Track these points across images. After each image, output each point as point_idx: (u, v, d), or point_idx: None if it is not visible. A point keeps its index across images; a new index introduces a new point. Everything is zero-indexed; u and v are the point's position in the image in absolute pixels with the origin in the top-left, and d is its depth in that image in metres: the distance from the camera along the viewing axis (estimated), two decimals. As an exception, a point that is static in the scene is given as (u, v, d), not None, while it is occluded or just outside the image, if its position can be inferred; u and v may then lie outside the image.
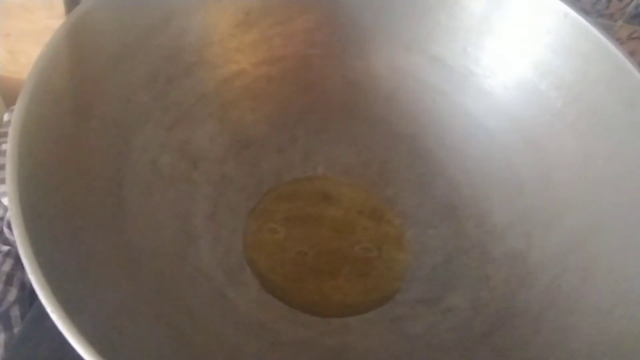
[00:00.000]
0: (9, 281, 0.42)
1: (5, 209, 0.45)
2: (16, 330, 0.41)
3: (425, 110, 0.39)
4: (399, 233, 0.35)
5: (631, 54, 0.42)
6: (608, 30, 0.34)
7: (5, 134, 0.47)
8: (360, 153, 0.39)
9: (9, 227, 0.44)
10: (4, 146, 0.46)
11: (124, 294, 0.25)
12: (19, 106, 0.25)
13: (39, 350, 0.34)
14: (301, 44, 0.39)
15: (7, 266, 0.42)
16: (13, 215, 0.22)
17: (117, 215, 0.28)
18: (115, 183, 0.29)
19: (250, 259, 0.33)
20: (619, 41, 0.45)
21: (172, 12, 0.34)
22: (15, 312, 0.42)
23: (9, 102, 0.50)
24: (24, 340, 0.34)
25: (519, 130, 0.36)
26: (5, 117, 0.48)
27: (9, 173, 0.23)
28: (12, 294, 0.42)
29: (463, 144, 0.38)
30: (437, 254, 0.33)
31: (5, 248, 0.43)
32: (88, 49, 0.29)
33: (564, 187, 0.33)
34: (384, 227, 0.36)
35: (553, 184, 0.33)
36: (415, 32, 0.38)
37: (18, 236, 0.22)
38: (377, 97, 0.39)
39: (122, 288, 0.25)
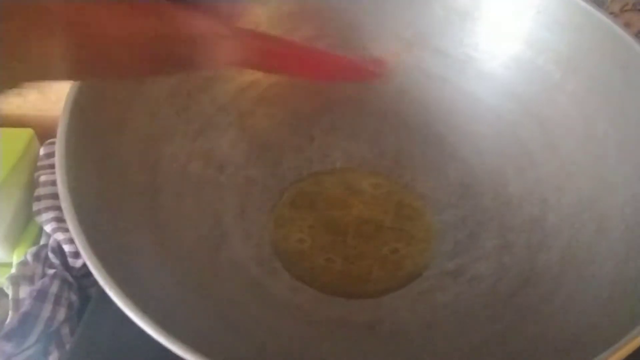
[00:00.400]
0: (57, 301, 0.44)
1: (48, 235, 0.48)
2: (68, 347, 0.43)
3: (433, 98, 0.41)
4: (421, 215, 0.37)
5: (626, 26, 0.44)
6: (600, 6, 0.35)
7: (42, 167, 0.51)
8: (374, 145, 0.41)
9: (53, 252, 0.47)
10: (42, 177, 0.50)
11: (170, 285, 0.27)
12: (61, 126, 0.27)
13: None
14: (308, 51, 0.42)
15: (54, 287, 0.45)
16: (70, 222, 0.24)
17: (155, 218, 0.30)
18: (151, 189, 0.32)
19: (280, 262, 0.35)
20: (612, 15, 0.47)
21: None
22: (65, 330, 0.44)
23: (42, 139, 0.53)
24: (74, 356, 0.37)
25: (523, 106, 0.38)
26: (41, 151, 0.51)
27: (61, 188, 0.26)
28: (62, 313, 0.44)
29: (472, 126, 0.40)
30: (458, 229, 0.35)
31: (51, 271, 0.45)
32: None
33: (570, 153, 0.34)
34: (406, 211, 0.37)
35: (560, 151, 0.35)
36: (415, 28, 0.41)
37: (78, 241, 0.24)
38: (385, 92, 0.42)
39: (167, 280, 0.27)
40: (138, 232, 0.29)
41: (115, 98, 0.32)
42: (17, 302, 0.44)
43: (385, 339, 0.29)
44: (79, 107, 0.29)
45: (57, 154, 0.27)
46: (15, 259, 0.48)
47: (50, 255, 0.47)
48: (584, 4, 0.35)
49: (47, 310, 0.43)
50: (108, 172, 0.29)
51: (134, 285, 0.22)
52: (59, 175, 0.26)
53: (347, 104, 0.42)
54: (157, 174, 0.32)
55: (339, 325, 0.30)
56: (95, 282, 0.47)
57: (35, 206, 0.49)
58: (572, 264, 0.29)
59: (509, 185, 0.36)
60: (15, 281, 0.44)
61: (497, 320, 0.28)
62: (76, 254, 0.47)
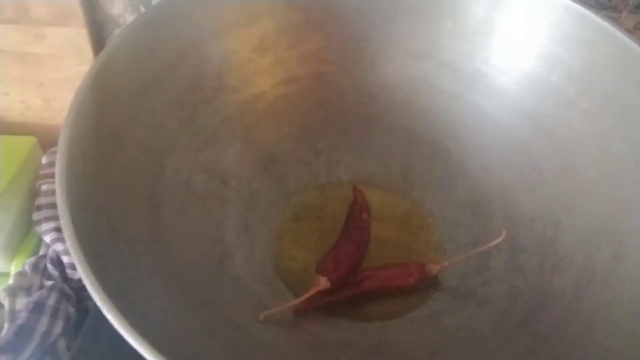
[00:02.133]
0: (54, 314, 0.43)
1: (47, 246, 0.47)
2: (64, 361, 0.42)
3: (441, 113, 0.40)
4: (429, 233, 0.36)
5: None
6: (613, 22, 0.35)
7: (44, 176, 0.50)
8: (382, 160, 0.40)
9: (52, 263, 0.46)
10: (44, 187, 0.49)
11: (169, 304, 0.26)
12: (62, 137, 0.27)
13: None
14: (315, 63, 0.41)
15: (52, 300, 0.43)
16: (66, 234, 0.23)
17: (155, 232, 0.30)
18: (152, 203, 0.31)
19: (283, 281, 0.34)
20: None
21: (192, 44, 0.36)
22: (62, 344, 0.43)
23: (45, 147, 0.52)
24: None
25: (535, 122, 0.37)
26: (44, 159, 0.51)
27: (59, 196, 0.25)
28: (59, 326, 0.43)
29: (481, 142, 0.39)
30: (468, 249, 0.34)
31: (49, 283, 0.44)
32: (116, 86, 0.31)
33: (584, 172, 0.33)
34: (414, 230, 0.36)
35: (573, 170, 0.34)
36: (424, 41, 0.40)
37: (73, 252, 0.23)
38: (393, 105, 0.41)
39: (166, 299, 0.26)
40: (137, 247, 0.28)
41: (118, 108, 0.31)
42: (13, 313, 0.42)
43: (392, 364, 0.28)
44: (81, 117, 0.28)
45: (57, 167, 0.26)
46: (14, 269, 0.47)
47: (49, 266, 0.46)
48: (598, 19, 0.34)
49: (43, 323, 0.42)
50: (108, 185, 0.29)
51: (132, 305, 0.21)
52: (59, 189, 0.25)
53: (354, 118, 0.41)
54: (158, 187, 0.32)
55: (343, 349, 0.29)
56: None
57: (36, 216, 0.48)
58: (588, 289, 0.28)
59: (519, 204, 0.35)
60: (12, 292, 0.43)
61: (508, 348, 0.27)
62: (75, 266, 0.46)
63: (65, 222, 0.23)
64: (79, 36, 0.48)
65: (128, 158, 0.31)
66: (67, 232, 0.23)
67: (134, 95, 0.32)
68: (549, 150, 0.35)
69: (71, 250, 0.22)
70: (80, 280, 0.45)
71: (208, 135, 0.36)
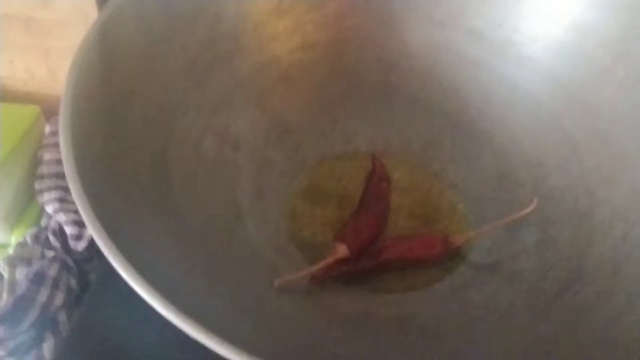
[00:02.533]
0: (55, 285, 0.42)
1: (49, 216, 0.46)
2: (64, 334, 0.40)
3: (466, 83, 0.38)
4: (452, 206, 0.34)
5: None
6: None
7: (47, 145, 0.48)
8: (401, 131, 0.38)
9: (54, 234, 0.45)
10: (46, 155, 0.47)
11: (180, 266, 0.24)
12: (67, 85, 0.25)
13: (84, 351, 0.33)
14: (334, 29, 0.39)
15: (53, 271, 0.42)
16: (73, 189, 0.21)
17: (165, 192, 0.28)
18: (162, 163, 0.29)
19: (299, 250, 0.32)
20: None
21: (207, 1, 0.34)
22: (62, 316, 0.42)
23: (49, 118, 0.51)
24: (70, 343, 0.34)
25: (566, 92, 0.35)
26: (47, 128, 0.49)
27: (63, 146, 0.23)
28: (59, 298, 0.41)
29: (508, 113, 0.37)
30: (494, 222, 0.32)
31: (51, 253, 0.43)
32: (125, 39, 0.29)
33: (621, 143, 0.31)
34: (436, 201, 0.34)
35: (609, 141, 0.32)
36: (449, 7, 0.38)
37: (81, 208, 0.21)
38: (414, 75, 0.39)
39: (176, 260, 0.24)
40: (147, 206, 0.26)
41: (127, 64, 0.29)
42: (13, 284, 0.41)
43: (414, 338, 0.26)
44: (87, 68, 0.26)
45: (61, 115, 0.24)
46: (14, 240, 0.45)
47: (51, 237, 0.45)
48: (637, -19, 0.32)
49: (43, 294, 0.41)
50: (116, 141, 0.27)
51: (141, 260, 0.19)
52: (63, 139, 0.23)
53: (374, 87, 0.39)
54: (168, 147, 0.30)
55: (362, 320, 0.27)
56: (97, 268, 0.45)
57: (38, 185, 0.46)
58: (629, 261, 0.26)
59: (549, 176, 0.33)
60: (12, 262, 0.42)
61: (541, 323, 0.25)
62: (78, 237, 0.44)
63: (70, 174, 0.21)
64: (86, 2, 0.46)
65: (137, 115, 0.29)
66: (74, 186, 0.21)
67: (144, 49, 0.30)
68: (583, 121, 0.33)
69: (77, 202, 0.20)
70: (82, 252, 0.44)
71: (221, 99, 0.35)
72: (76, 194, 0.20)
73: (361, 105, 0.38)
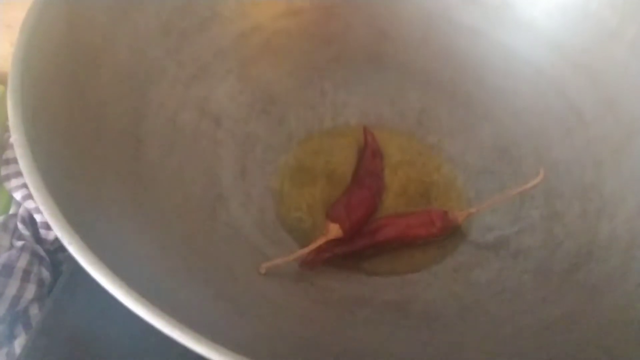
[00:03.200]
0: (25, 278, 0.39)
1: (18, 204, 0.43)
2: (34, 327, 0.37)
3: (461, 52, 0.36)
4: (449, 181, 0.32)
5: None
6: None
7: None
8: (395, 103, 0.35)
9: (23, 222, 0.42)
10: (12, 139, 0.44)
11: (153, 253, 0.22)
12: (18, 46, 0.22)
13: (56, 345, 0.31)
14: (321, -6, 0.36)
15: (22, 262, 0.39)
16: (23, 166, 0.19)
17: (137, 171, 0.25)
18: (134, 138, 0.26)
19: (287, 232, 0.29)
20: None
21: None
22: (34, 310, 0.39)
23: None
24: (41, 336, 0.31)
25: (570, 58, 0.33)
26: (12, 109, 0.46)
27: (11, 117, 0.20)
28: (30, 291, 0.39)
29: (507, 83, 0.34)
30: (496, 196, 0.30)
31: (20, 243, 0.40)
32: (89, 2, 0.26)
33: (630, 110, 0.29)
34: (432, 177, 0.32)
35: (617, 108, 0.30)
36: (441, -31, 0.35)
37: (32, 187, 0.18)
38: (407, 44, 0.36)
39: (149, 247, 0.22)
40: (116, 188, 0.23)
41: (92, 25, 0.26)
42: (-22, 276, 0.38)
43: (416, 322, 0.24)
44: (43, 30, 0.23)
45: (9, 88, 0.21)
46: (-21, 229, 0.42)
47: (20, 226, 0.41)
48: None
49: (13, 287, 0.38)
50: (80, 115, 0.24)
51: (110, 252, 0.17)
52: (11, 110, 0.20)
53: (364, 56, 0.37)
54: (141, 121, 0.27)
55: (359, 305, 0.25)
56: (70, 258, 0.42)
57: (4, 170, 0.43)
58: (646, 234, 0.24)
59: (553, 148, 0.31)
60: (-23, 253, 0.39)
61: (554, 301, 0.23)
62: (49, 225, 0.41)
63: (22, 154, 0.19)
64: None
65: (105, 86, 0.26)
66: (26, 167, 0.18)
67: (111, 13, 0.27)
68: (588, 88, 0.31)
69: (32, 187, 0.17)
70: (54, 242, 0.41)
71: (198, 69, 0.32)
72: (27, 173, 0.17)
73: (351, 76, 0.36)
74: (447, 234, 0.28)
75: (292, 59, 0.35)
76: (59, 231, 0.16)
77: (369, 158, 0.31)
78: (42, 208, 0.16)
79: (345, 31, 0.36)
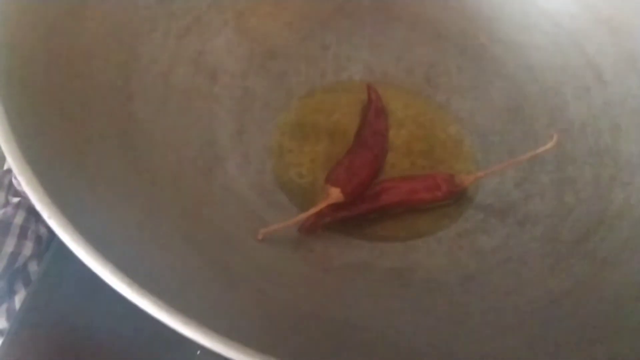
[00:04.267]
0: (23, 234, 0.38)
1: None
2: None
3: (474, 2, 0.33)
4: (457, 142, 0.30)
5: None
6: None
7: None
8: (401, 57, 0.33)
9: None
10: None
11: (142, 214, 0.21)
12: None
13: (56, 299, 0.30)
14: (323, -63, 0.33)
15: (19, 218, 0.39)
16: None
17: (126, 131, 0.24)
18: (123, 95, 0.25)
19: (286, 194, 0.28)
20: None
21: None
22: (33, 266, 0.39)
23: None
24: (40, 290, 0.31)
25: (590, 10, 0.30)
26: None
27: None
28: (28, 247, 0.38)
29: (522, 36, 0.32)
30: (504, 160, 0.28)
31: (16, 200, 0.39)
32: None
33: (654, 68, 0.27)
34: (439, 137, 0.31)
35: (638, 66, 0.28)
36: None
37: (9, 156, 0.17)
38: (415, -7, 0.34)
39: (139, 208, 0.21)
40: (103, 151, 0.22)
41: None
42: (-27, 233, 0.37)
43: (419, 290, 0.23)
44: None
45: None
46: (-27, 184, 0.41)
47: (15, 182, 0.41)
48: None
49: (10, 244, 0.37)
50: (63, 70, 0.22)
51: (94, 224, 0.16)
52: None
53: (369, 6, 0.34)
54: (131, 76, 0.25)
55: (359, 272, 0.24)
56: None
57: (-4, 124, 0.42)
58: (661, 204, 0.23)
59: (568, 107, 0.29)
60: (-28, 210, 0.38)
61: (562, 272, 0.22)
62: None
63: None
64: None
65: (91, 38, 0.24)
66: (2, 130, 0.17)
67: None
68: (608, 43, 0.29)
69: (3, 144, 0.16)
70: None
71: (192, 20, 0.30)
72: (3, 139, 0.16)
73: (355, 28, 0.34)
74: (452, 198, 0.27)
75: (292, 9, 0.33)
76: (38, 204, 0.15)
77: (372, 117, 0.30)
78: (20, 179, 0.15)
79: (350, -21, 0.34)
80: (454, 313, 0.22)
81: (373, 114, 0.30)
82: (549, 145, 0.25)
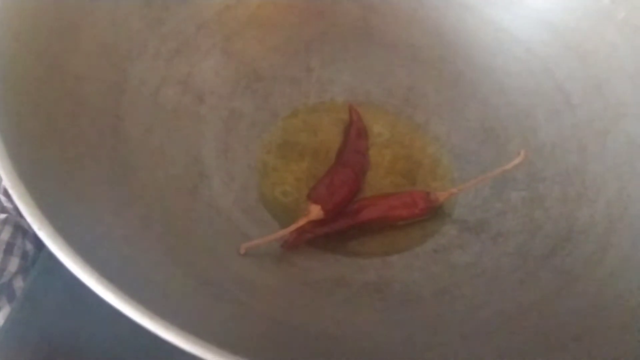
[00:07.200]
0: (9, 250, 0.38)
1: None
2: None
3: (451, 29, 0.35)
4: (435, 162, 0.32)
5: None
6: None
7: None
8: (382, 80, 0.35)
9: (6, 194, 0.41)
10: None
11: (130, 231, 0.21)
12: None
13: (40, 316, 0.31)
14: (308, -34, 0.35)
15: (5, 234, 0.39)
16: None
17: (116, 148, 0.25)
18: (113, 115, 0.26)
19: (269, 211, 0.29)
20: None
21: None
22: (18, 283, 0.39)
23: None
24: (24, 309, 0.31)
25: (561, 38, 0.32)
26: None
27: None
28: (14, 263, 0.38)
29: (496, 61, 0.34)
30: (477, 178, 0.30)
31: (3, 216, 0.39)
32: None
33: (617, 92, 0.29)
34: (418, 156, 0.32)
35: (604, 91, 0.30)
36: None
37: (2, 170, 0.18)
38: (396, 19, 0.36)
39: (126, 225, 0.22)
40: (92, 167, 0.23)
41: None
42: (-40, 249, 0.38)
43: (395, 303, 0.24)
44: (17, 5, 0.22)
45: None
46: (-39, 200, 0.41)
47: (2, 198, 0.41)
48: None
49: (-4, 259, 0.38)
50: (56, 90, 0.23)
51: (83, 237, 0.16)
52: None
53: (352, 32, 0.36)
54: (121, 97, 0.26)
55: (339, 286, 0.25)
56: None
57: (-15, 141, 0.42)
58: (623, 220, 0.24)
59: (539, 130, 0.31)
60: (-41, 225, 0.38)
61: (530, 285, 0.23)
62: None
63: None
64: None
65: (83, 59, 0.26)
66: None
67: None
68: (577, 69, 0.31)
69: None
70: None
71: (181, 43, 0.31)
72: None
73: (338, 51, 0.35)
74: (429, 214, 0.28)
75: (278, 34, 0.34)
76: (29, 216, 0.15)
77: (353, 137, 0.31)
78: (11, 192, 0.16)
79: (333, 5, 0.35)
80: (426, 324, 0.23)
81: (354, 133, 0.31)
82: (517, 160, 0.26)
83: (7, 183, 0.16)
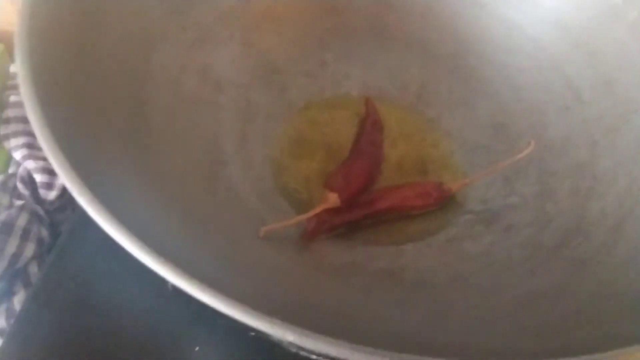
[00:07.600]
0: (25, 236, 0.39)
1: (18, 164, 0.43)
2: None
3: (464, 25, 0.36)
4: (446, 156, 0.32)
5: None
6: None
7: (12, 87, 0.45)
8: (396, 76, 0.35)
9: (23, 182, 0.42)
10: (12, 98, 0.44)
11: (155, 208, 0.22)
12: (24, 3, 0.22)
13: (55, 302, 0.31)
14: (325, -39, 0.36)
15: (22, 221, 0.39)
16: (37, 130, 0.19)
17: (141, 134, 0.25)
18: (137, 100, 0.26)
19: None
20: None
21: None
22: (33, 268, 0.40)
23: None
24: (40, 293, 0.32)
25: (571, 36, 0.33)
26: (12, 68, 0.45)
27: (22, 80, 0.20)
28: (30, 249, 0.39)
29: (508, 58, 0.34)
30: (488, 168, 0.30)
31: (19, 202, 0.40)
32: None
33: (627, 90, 0.30)
34: (430, 151, 0.33)
35: (614, 88, 0.30)
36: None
37: (48, 151, 0.18)
38: (410, 15, 0.36)
39: (152, 204, 0.22)
40: (120, 147, 0.23)
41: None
42: (-22, 234, 0.38)
43: (408, 289, 0.25)
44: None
45: (17, 45, 0.21)
46: (-21, 187, 0.42)
47: (20, 185, 0.42)
48: None
49: (12, 245, 0.38)
50: (85, 75, 0.24)
51: (117, 207, 0.17)
52: (22, 71, 0.20)
53: (367, 27, 0.36)
54: (143, 84, 0.27)
55: (354, 272, 0.25)
56: (69, 218, 0.42)
57: (3, 130, 0.43)
58: (633, 213, 0.25)
59: (550, 125, 0.32)
60: (-23, 211, 0.39)
61: (541, 274, 0.24)
62: (49, 185, 0.41)
63: (33, 114, 0.19)
64: None
65: (109, 46, 0.26)
66: (38, 129, 0.18)
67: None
68: (587, 67, 0.32)
69: (45, 148, 0.18)
70: (54, 201, 0.41)
71: (201, 32, 0.32)
72: (41, 136, 0.17)
73: (353, 47, 0.36)
74: (441, 204, 0.29)
75: (295, 27, 0.35)
76: (69, 183, 0.16)
77: (369, 129, 0.32)
78: (52, 161, 0.17)
79: (348, 1, 0.36)
80: (438, 309, 0.23)
81: (370, 125, 0.32)
82: (527, 150, 0.27)
83: (48, 154, 0.17)
